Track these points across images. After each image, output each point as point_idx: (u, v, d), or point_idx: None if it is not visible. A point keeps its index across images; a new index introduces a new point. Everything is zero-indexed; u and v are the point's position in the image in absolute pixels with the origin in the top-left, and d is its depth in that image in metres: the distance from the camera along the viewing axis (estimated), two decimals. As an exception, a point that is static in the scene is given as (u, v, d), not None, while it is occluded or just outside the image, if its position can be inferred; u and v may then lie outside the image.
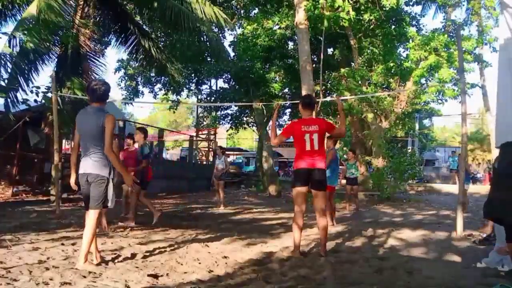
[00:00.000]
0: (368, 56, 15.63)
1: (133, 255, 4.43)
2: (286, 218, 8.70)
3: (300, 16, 13.56)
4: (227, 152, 12.28)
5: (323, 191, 4.75)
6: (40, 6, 8.87)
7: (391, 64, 14.14)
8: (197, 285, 3.39)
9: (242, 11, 19.88)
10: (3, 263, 3.85)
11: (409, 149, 22.54)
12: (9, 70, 9.44)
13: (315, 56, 16.67)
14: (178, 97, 21.82)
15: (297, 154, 4.68)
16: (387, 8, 12.91)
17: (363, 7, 13.36)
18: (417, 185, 20.15)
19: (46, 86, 9.81)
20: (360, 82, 14.62)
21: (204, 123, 23.73)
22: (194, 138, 22.84)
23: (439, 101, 15.37)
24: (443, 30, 14.60)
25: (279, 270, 3.96)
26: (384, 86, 14.92)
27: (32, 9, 9.28)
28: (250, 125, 22.25)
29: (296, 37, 15.53)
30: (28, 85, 9.69)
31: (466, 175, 10.64)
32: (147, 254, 4.54)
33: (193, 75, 20.55)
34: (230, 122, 21.76)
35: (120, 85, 20.38)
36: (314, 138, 4.60)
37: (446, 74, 13.04)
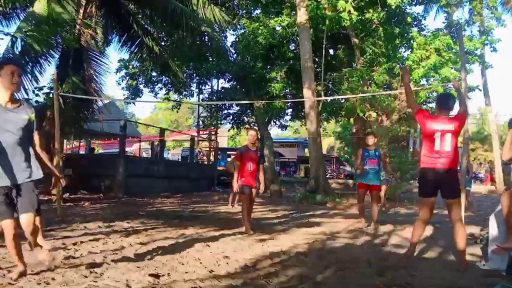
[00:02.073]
0: (370, 56, 15.61)
1: (134, 255, 4.44)
2: (287, 218, 8.72)
3: (302, 16, 13.57)
4: (227, 153, 12.27)
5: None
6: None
7: (393, 64, 14.13)
8: (198, 285, 3.40)
9: (243, 11, 19.89)
10: (4, 263, 3.87)
11: (411, 149, 22.48)
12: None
13: (316, 57, 16.66)
14: (181, 96, 21.85)
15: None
16: (393, 7, 12.88)
17: (363, 5, 13.33)
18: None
19: (49, 87, 9.85)
20: (361, 82, 14.62)
21: (206, 122, 23.73)
22: (195, 138, 22.85)
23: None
24: (444, 30, 14.58)
25: (280, 270, 3.96)
26: (385, 86, 14.89)
27: (35, 9, 9.31)
28: (251, 125, 22.25)
29: (297, 37, 15.53)
30: (30, 84, 9.75)
31: (467, 175, 10.66)
32: (148, 254, 4.55)
33: (194, 74, 20.57)
34: (232, 122, 21.77)
35: (120, 85, 20.43)
36: (446, 138, 4.23)
37: (448, 73, 13.02)
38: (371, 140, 7.49)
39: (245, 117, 21.74)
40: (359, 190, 7.63)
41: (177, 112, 25.92)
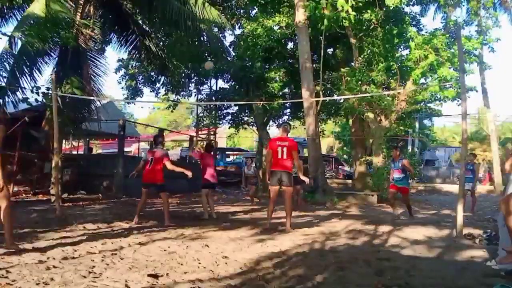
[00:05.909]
0: (368, 56, 15.60)
1: (133, 255, 4.43)
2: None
3: (300, 16, 13.55)
4: (227, 153, 12.34)
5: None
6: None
7: (391, 64, 14.11)
8: (197, 285, 3.39)
9: (242, 11, 19.88)
10: (3, 263, 3.86)
11: (409, 149, 22.53)
12: (8, 69, 9.45)
13: (315, 56, 16.65)
14: (178, 96, 21.84)
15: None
16: (391, 8, 12.86)
17: (361, 5, 13.29)
18: (417, 185, 20.17)
19: (47, 87, 9.82)
20: (360, 82, 14.60)
21: (204, 122, 23.71)
22: (194, 138, 22.78)
23: (437, 102, 15.36)
24: (443, 30, 14.56)
25: (279, 270, 3.96)
26: (384, 86, 14.89)
27: (33, 8, 9.29)
28: (250, 125, 22.24)
29: (296, 37, 15.51)
30: (28, 84, 9.73)
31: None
32: (147, 254, 4.54)
33: (192, 74, 20.54)
34: (230, 121, 21.75)
35: (120, 84, 20.40)
36: (284, 151, 6.70)
37: (447, 72, 13.00)
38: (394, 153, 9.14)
39: (244, 117, 21.73)
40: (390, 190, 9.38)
41: (172, 111, 25.82)
